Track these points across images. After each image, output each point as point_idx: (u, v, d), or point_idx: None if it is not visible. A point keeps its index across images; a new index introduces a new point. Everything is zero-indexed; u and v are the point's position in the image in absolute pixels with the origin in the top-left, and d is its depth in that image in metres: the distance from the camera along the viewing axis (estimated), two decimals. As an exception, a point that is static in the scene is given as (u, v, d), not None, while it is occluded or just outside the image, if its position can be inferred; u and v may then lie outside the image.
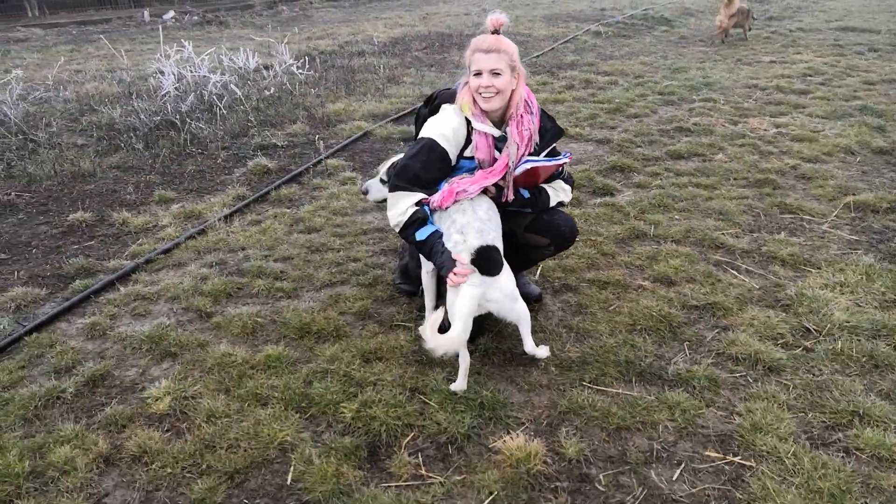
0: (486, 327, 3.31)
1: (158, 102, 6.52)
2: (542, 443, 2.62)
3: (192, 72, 6.74)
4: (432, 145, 3.04)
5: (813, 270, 3.81)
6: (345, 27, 13.93)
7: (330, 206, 4.88)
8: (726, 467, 2.51)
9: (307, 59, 8.50)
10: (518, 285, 3.53)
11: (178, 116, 6.37)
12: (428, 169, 3.04)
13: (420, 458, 2.61)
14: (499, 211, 3.17)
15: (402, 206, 3.02)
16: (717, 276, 3.80)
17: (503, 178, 3.09)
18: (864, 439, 2.56)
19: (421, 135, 3.13)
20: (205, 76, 6.65)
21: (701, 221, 4.45)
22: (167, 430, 2.76)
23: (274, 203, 5.04)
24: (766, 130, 6.17)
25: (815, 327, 3.28)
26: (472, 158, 3.13)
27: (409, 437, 2.71)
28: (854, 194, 4.73)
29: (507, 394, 2.93)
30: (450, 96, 3.28)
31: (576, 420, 2.77)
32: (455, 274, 2.84)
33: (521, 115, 3.07)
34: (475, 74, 2.95)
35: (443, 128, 3.06)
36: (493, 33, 2.89)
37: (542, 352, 3.10)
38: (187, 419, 2.81)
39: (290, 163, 5.85)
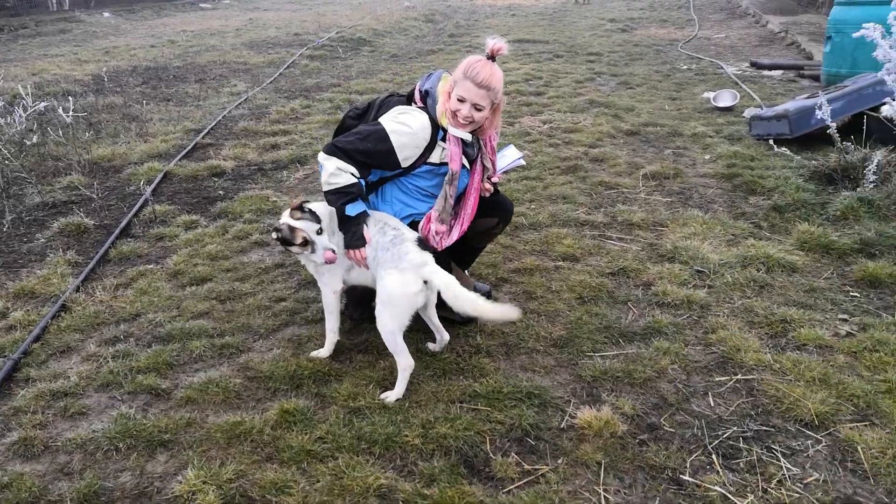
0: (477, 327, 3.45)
1: None
2: (606, 410, 2.88)
3: None
4: (383, 136, 3.06)
5: (665, 228, 4.66)
6: (14, 68, 11.90)
7: (201, 252, 4.37)
8: (738, 385, 3.06)
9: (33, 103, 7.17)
10: (469, 286, 3.67)
11: None
12: (370, 155, 3.07)
13: (514, 457, 2.67)
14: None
15: (339, 168, 3.02)
16: (603, 246, 4.42)
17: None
18: (805, 336, 3.33)
19: (381, 121, 3.12)
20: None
21: (555, 207, 5.06)
22: (241, 520, 2.37)
23: (121, 262, 4.32)
24: (540, 127, 7.13)
25: (703, 269, 4.07)
26: (438, 165, 3.21)
27: (487, 442, 2.75)
28: (642, 167, 5.81)
29: (535, 381, 3.11)
30: (398, 102, 3.30)
31: (606, 384, 3.08)
32: (355, 255, 3.07)
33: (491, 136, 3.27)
34: (459, 99, 3.03)
35: (403, 127, 3.09)
36: (489, 58, 2.99)
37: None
38: (255, 502, 2.44)
39: (105, 217, 5.02)
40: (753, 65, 9.98)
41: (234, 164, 6.20)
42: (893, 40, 4.96)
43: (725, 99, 7.68)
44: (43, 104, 5.98)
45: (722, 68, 9.89)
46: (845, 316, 3.54)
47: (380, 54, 12.78)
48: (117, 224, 4.85)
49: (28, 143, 5.70)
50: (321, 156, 3.10)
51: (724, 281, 3.91)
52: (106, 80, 9.55)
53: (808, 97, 6.47)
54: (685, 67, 10.14)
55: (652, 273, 4.04)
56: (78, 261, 4.35)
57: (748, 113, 7.25)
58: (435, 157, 3.21)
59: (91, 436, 2.76)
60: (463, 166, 3.26)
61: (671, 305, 3.70)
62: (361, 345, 3.40)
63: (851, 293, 3.76)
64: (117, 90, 9.48)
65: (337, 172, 3.03)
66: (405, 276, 2.98)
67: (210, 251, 4.38)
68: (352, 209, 3.08)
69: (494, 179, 3.37)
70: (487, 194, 3.37)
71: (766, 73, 9.56)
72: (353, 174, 3.05)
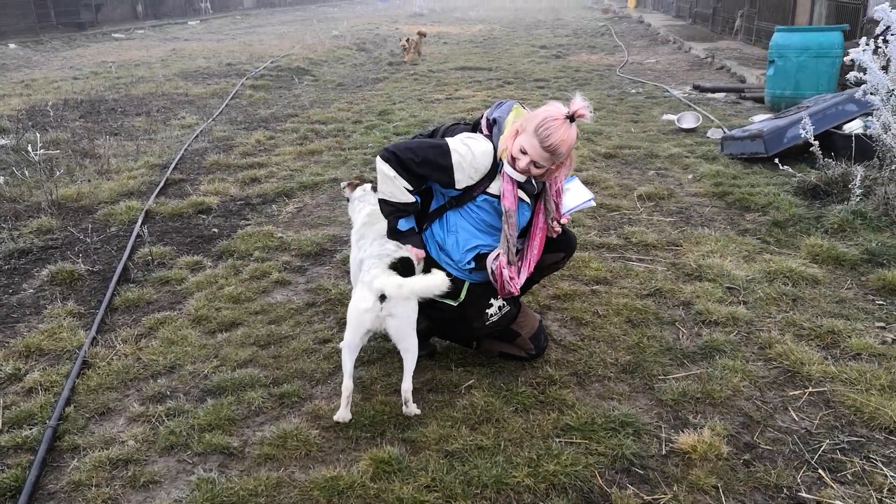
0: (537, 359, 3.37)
1: None
2: (706, 432, 2.86)
3: None
4: (445, 151, 3.06)
5: (680, 247, 4.74)
6: (-76, 102, 10.97)
7: (219, 295, 4.09)
8: (812, 398, 3.12)
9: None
10: (530, 316, 3.58)
11: None
12: (426, 164, 3.05)
13: (630, 488, 2.60)
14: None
15: (395, 184, 3.05)
16: (630, 268, 4.45)
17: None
18: (855, 346, 3.44)
19: (447, 139, 3.14)
20: None
21: (566, 230, 5.06)
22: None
23: (130, 311, 3.98)
24: (520, 152, 7.16)
25: (733, 286, 4.16)
26: (497, 197, 3.15)
27: (596, 475, 2.67)
28: (634, 189, 5.93)
29: (620, 409, 3.05)
30: (465, 129, 3.27)
31: (688, 406, 3.07)
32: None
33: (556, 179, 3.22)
34: (521, 150, 2.95)
35: (464, 148, 3.07)
36: (568, 118, 2.89)
37: (412, 409, 3.01)
38: (384, 561, 2.25)
39: (95, 262, 4.63)
40: (696, 88, 10.47)
41: (219, 199, 5.89)
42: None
43: (689, 121, 7.99)
44: (3, 141, 5.48)
45: (668, 92, 10.31)
46: (882, 324, 3.69)
47: (324, 83, 12.60)
48: (111, 269, 4.49)
49: (-4, 183, 5.21)
50: (378, 160, 3.09)
51: (757, 296, 4.00)
52: (52, 113, 8.90)
53: (774, 118, 6.82)
54: (634, 91, 10.51)
55: (687, 292, 4.09)
56: (80, 311, 3.98)
57: (712, 134, 7.58)
58: (494, 188, 3.14)
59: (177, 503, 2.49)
60: (523, 201, 3.20)
61: (717, 323, 3.75)
62: (429, 383, 3.25)
63: (877, 302, 3.94)
64: (55, 125, 8.87)
65: (392, 184, 3.05)
66: (360, 291, 2.92)
67: (229, 293, 4.10)
68: (404, 224, 3.14)
69: (563, 221, 3.32)
70: (555, 235, 3.31)
71: (709, 95, 10.04)
72: (407, 188, 3.06)
